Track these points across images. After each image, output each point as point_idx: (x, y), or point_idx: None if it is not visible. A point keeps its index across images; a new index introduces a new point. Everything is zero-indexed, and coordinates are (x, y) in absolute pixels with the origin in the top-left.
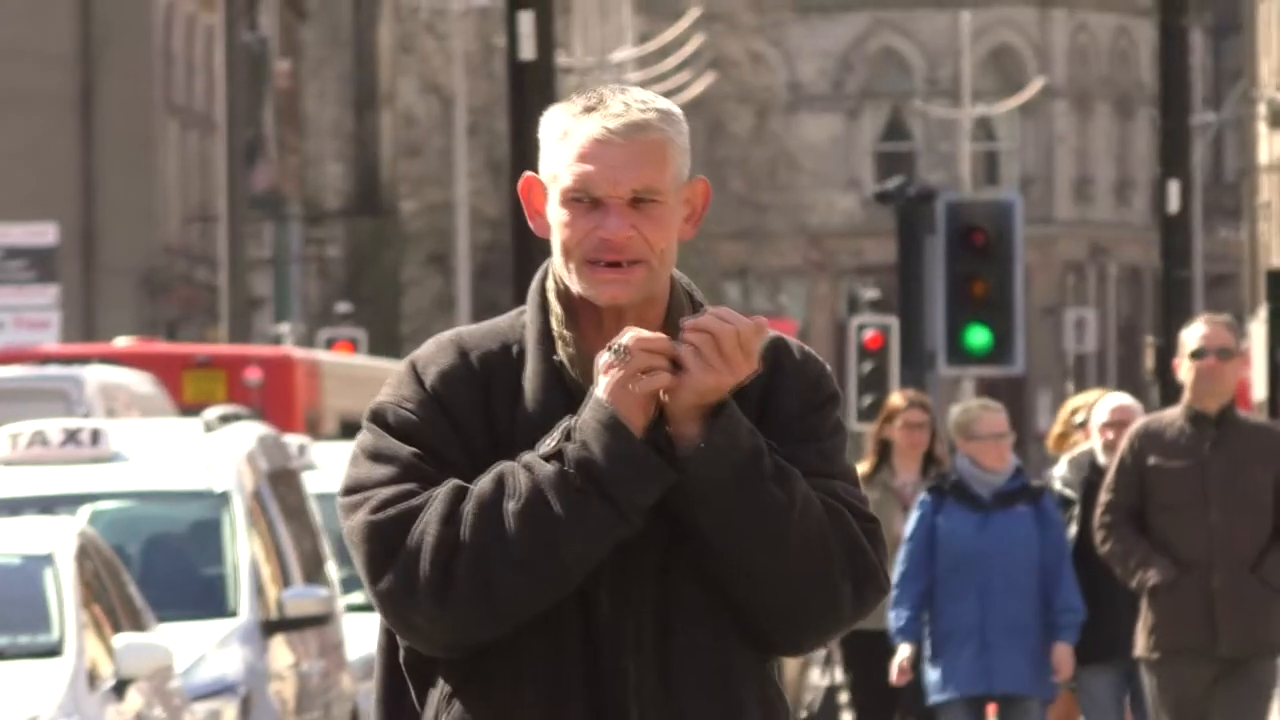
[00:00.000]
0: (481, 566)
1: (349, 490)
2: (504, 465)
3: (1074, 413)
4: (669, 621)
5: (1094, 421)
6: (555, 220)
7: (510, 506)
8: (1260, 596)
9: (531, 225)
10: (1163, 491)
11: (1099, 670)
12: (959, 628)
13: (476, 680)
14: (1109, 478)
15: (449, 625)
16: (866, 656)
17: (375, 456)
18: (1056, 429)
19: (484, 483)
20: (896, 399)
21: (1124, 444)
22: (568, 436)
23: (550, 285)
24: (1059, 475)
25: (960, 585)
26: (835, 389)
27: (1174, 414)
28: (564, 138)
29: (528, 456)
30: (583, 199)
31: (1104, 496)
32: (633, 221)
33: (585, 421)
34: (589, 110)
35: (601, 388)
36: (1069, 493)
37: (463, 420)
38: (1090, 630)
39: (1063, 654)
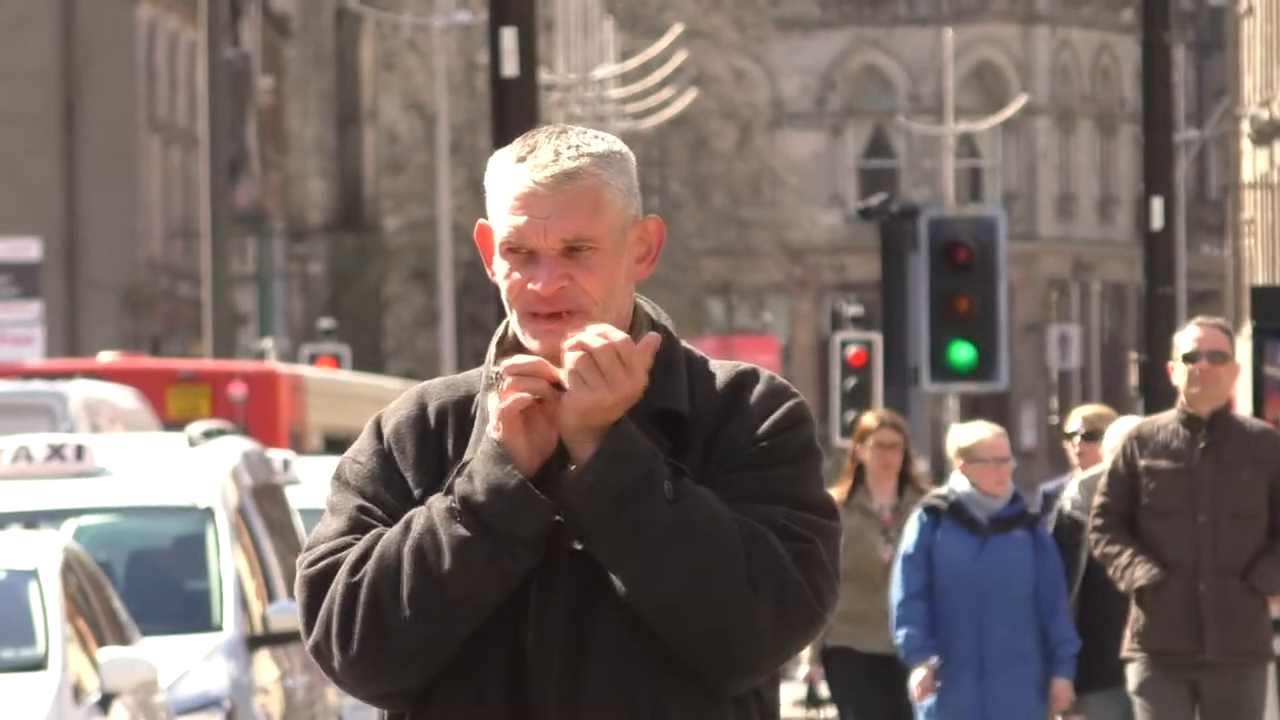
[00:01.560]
0: (377, 610)
1: (306, 547)
2: (415, 509)
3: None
4: (584, 656)
5: (1106, 444)
6: (498, 271)
7: (405, 547)
8: (1248, 603)
9: (489, 273)
10: (1153, 494)
11: (1106, 696)
12: (954, 654)
13: None
14: (1102, 481)
15: (360, 674)
16: (854, 681)
17: (331, 511)
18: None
19: (394, 528)
20: (869, 419)
21: (1118, 446)
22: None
23: (502, 332)
24: (1069, 497)
25: (956, 610)
26: (801, 418)
27: (1168, 417)
28: (500, 188)
29: (433, 497)
30: (519, 250)
31: (1097, 499)
32: (567, 271)
33: (476, 455)
34: (520, 160)
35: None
36: (1079, 515)
37: (412, 470)
38: (1097, 656)
39: (1061, 688)
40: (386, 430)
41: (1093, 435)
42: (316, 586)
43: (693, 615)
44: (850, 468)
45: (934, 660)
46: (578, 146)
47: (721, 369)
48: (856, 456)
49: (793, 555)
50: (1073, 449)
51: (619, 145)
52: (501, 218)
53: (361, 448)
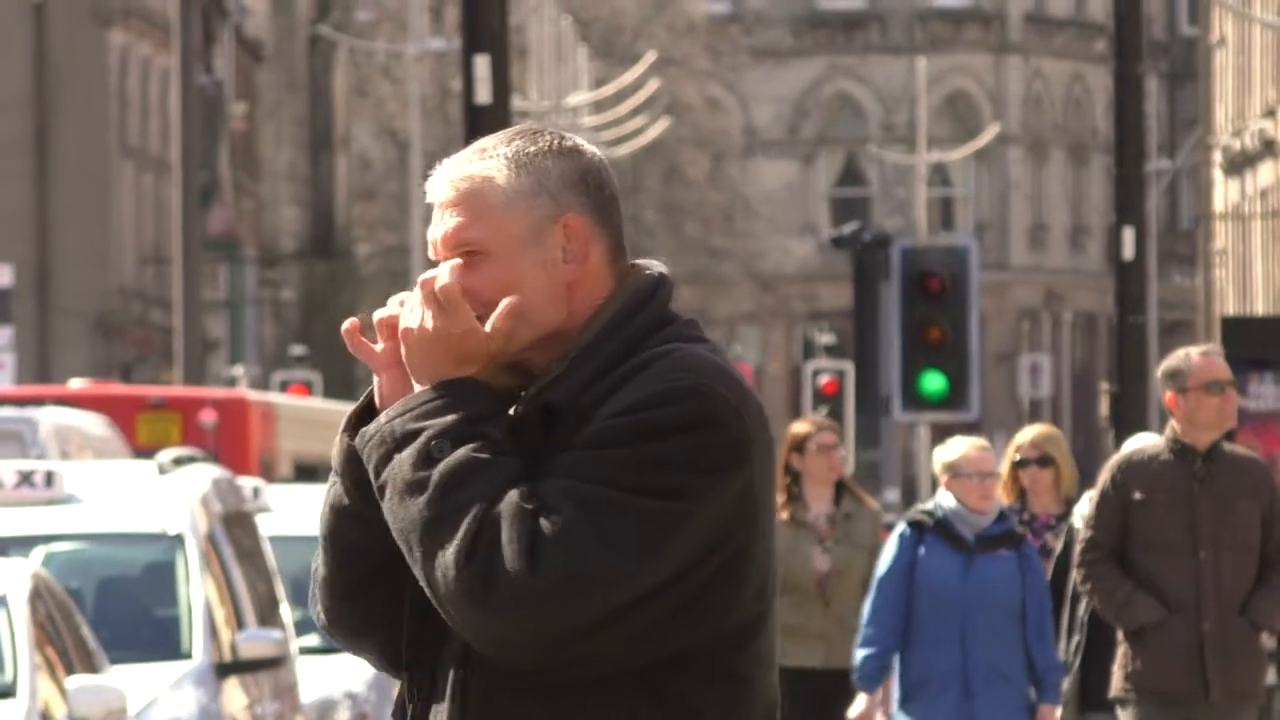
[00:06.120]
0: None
1: None
2: None
3: (1017, 450)
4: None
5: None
6: None
7: None
8: (1249, 640)
9: None
10: (1148, 528)
11: (1106, 717)
12: (937, 674)
13: None
14: (1089, 513)
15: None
16: (796, 697)
17: None
18: (1004, 475)
19: None
20: (803, 426)
21: (1105, 477)
22: None
23: None
24: (1080, 514)
25: (940, 629)
26: (665, 399)
27: (1157, 446)
28: None
29: None
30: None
31: (1085, 533)
32: (461, 276)
33: None
34: None
35: None
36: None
37: None
38: (1096, 675)
39: (1049, 715)
40: None
41: (1045, 460)
42: None
43: (420, 575)
44: (783, 482)
45: (878, 694)
46: (484, 149)
47: (653, 354)
48: (791, 467)
49: (522, 524)
50: (1025, 478)
51: (546, 143)
52: None
53: None
